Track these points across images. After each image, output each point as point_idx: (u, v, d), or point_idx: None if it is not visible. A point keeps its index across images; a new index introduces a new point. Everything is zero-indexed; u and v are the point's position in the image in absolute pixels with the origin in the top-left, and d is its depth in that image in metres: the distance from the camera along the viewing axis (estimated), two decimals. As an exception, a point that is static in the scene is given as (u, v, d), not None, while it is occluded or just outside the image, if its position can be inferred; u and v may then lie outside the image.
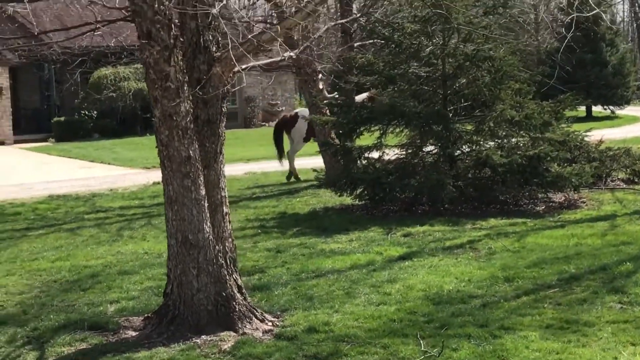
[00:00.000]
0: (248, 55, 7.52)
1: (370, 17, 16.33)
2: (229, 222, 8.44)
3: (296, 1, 8.38)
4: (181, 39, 7.47)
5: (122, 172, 23.44)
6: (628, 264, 9.80)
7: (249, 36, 7.77)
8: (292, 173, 19.91)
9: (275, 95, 42.06)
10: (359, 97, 20.41)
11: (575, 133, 15.93)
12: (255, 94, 40.00)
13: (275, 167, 20.91)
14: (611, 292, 8.69)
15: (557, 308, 8.31)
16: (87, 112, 35.11)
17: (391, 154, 15.50)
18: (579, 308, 8.25)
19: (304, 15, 7.29)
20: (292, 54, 8.26)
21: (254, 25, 10.51)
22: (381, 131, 15.52)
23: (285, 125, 20.59)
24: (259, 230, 13.42)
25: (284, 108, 41.86)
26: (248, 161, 24.41)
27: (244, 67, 7.98)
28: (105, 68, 32.77)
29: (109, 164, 25.53)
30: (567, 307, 8.31)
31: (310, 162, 19.83)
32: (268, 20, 16.25)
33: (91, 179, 21.67)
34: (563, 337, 7.46)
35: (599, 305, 8.28)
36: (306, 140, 20.31)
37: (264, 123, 40.50)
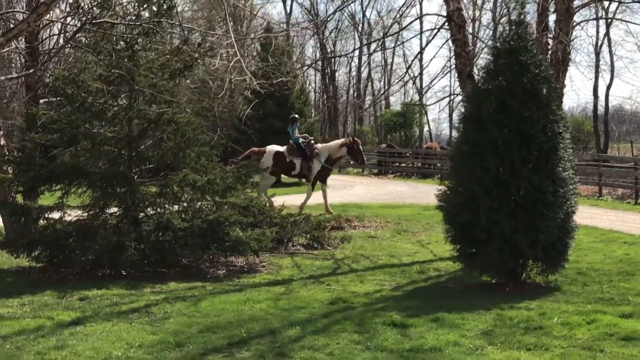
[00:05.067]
0: None
1: (55, 72, 15.88)
2: None
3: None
4: None
5: None
6: (297, 328, 10.07)
7: None
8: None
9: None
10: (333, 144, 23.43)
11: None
12: None
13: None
14: (278, 356, 8.87)
15: (223, 373, 8.35)
16: None
17: (74, 215, 15.04)
18: (244, 373, 8.34)
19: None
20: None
21: None
22: (63, 191, 15.04)
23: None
24: None
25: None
26: None
27: None
28: None
29: None
30: (233, 372, 8.38)
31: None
32: None
33: None
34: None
35: (265, 370, 8.41)
36: (273, 174, 22.73)
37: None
